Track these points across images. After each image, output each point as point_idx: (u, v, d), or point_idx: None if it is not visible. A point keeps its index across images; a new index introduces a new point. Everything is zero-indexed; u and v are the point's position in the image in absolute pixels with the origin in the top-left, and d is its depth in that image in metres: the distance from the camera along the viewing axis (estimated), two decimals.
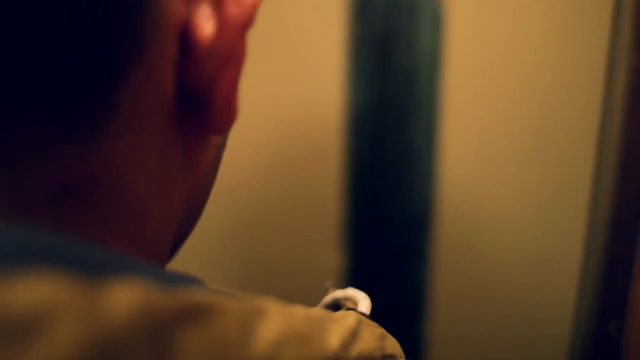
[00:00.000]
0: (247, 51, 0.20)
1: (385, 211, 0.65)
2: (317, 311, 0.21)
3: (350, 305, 0.28)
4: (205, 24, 0.18)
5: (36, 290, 0.11)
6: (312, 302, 0.29)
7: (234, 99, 0.21)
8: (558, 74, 0.60)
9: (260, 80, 0.60)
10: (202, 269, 0.64)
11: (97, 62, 0.16)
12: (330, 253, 0.65)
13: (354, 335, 0.21)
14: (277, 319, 0.17)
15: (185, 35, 0.18)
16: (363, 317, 0.23)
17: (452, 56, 0.60)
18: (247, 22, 0.19)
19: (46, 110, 0.16)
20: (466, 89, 0.62)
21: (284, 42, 0.61)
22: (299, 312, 0.19)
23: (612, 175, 0.60)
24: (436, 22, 0.59)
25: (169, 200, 0.21)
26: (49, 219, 0.17)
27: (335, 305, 0.30)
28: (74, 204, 0.17)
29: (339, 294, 0.30)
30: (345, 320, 0.21)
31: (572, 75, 0.60)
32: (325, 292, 0.31)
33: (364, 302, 0.27)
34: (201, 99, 0.20)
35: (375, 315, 0.26)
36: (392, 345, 0.23)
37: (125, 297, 0.12)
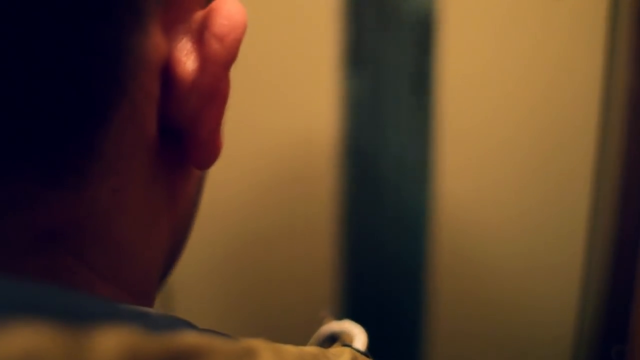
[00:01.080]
0: (231, 87, 0.19)
1: (381, 235, 0.65)
2: (310, 349, 0.20)
3: (346, 339, 0.27)
4: (187, 60, 0.18)
5: (19, 341, 0.11)
6: (307, 329, 0.29)
7: (217, 135, 0.20)
8: (557, 83, 0.60)
9: (253, 104, 0.60)
10: (194, 293, 0.63)
11: (80, 106, 0.16)
12: (326, 279, 0.64)
13: None
14: (268, 359, 0.16)
15: (167, 72, 0.18)
16: (358, 355, 0.22)
17: (446, 71, 0.60)
18: (229, 59, 0.19)
19: (29, 158, 0.15)
20: (463, 111, 0.61)
21: (278, 65, 0.61)
22: (291, 351, 0.18)
23: (614, 192, 0.60)
24: (426, 38, 0.59)
25: (154, 239, 0.21)
26: (33, 265, 0.17)
27: (331, 338, 0.29)
28: (59, 249, 0.17)
29: (334, 326, 0.29)
30: (339, 359, 0.21)
31: (571, 84, 0.60)
32: (321, 321, 0.30)
33: (360, 337, 0.26)
34: (184, 135, 0.20)
35: (373, 343, 0.25)
36: None
37: (111, 345, 0.12)
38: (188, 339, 0.14)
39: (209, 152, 0.20)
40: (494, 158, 0.62)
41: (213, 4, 0.19)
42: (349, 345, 0.24)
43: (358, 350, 0.24)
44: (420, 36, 0.59)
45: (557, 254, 0.64)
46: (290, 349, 0.18)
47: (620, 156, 0.60)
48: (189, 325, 0.18)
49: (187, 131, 0.20)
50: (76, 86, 0.15)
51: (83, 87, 0.15)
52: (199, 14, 0.19)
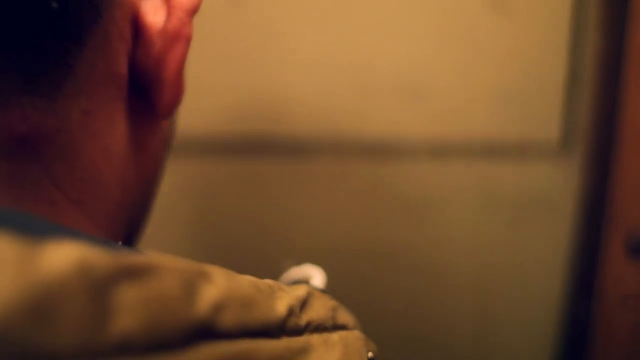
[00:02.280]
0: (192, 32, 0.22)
1: None
2: (266, 281, 0.20)
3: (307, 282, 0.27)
4: (156, 9, 0.21)
5: None
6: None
7: (180, 78, 0.22)
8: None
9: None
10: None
11: (59, 20, 0.17)
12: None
13: (303, 304, 0.20)
14: (221, 282, 0.16)
15: (137, 20, 0.20)
16: (315, 290, 0.23)
17: None
18: (193, 6, 0.21)
19: (7, 59, 0.17)
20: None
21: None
22: (246, 279, 0.18)
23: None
24: None
25: (121, 178, 0.22)
26: (0, 170, 0.18)
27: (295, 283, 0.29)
28: (27, 159, 0.18)
29: (295, 272, 0.29)
30: (295, 291, 0.21)
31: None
32: (283, 271, 0.31)
33: (317, 277, 0.26)
34: (150, 78, 0.21)
35: None
36: (345, 316, 0.23)
37: (63, 254, 0.12)
38: (140, 257, 0.14)
39: (173, 93, 0.22)
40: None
41: None
42: (306, 283, 0.24)
43: (316, 288, 0.24)
44: None
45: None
46: (245, 277, 0.19)
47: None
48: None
49: (153, 73, 0.21)
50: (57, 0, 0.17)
51: (62, 2, 0.17)
52: None
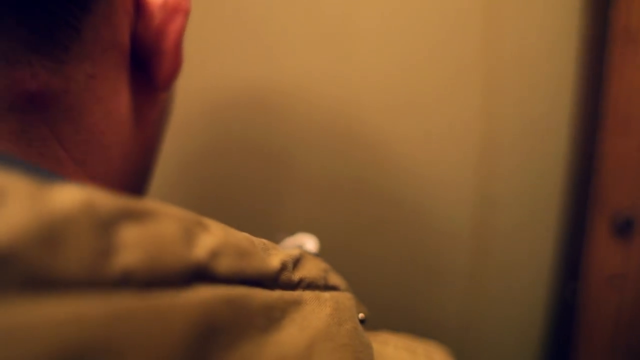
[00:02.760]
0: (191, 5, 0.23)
1: None
2: (262, 239, 0.21)
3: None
4: None
5: None
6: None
7: (179, 49, 0.23)
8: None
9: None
10: None
11: None
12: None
13: (296, 263, 0.21)
14: (218, 232, 0.17)
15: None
16: (308, 254, 0.23)
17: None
18: None
19: (19, 18, 0.18)
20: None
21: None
22: (241, 233, 0.19)
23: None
24: None
25: (123, 143, 0.23)
26: (8, 128, 0.18)
27: None
28: (35, 117, 0.19)
29: (290, 241, 0.30)
30: (289, 251, 0.21)
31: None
32: (277, 242, 0.31)
33: (310, 242, 0.27)
34: (150, 50, 0.22)
35: None
36: (337, 279, 0.23)
37: (70, 194, 0.13)
38: (143, 202, 0.15)
39: (172, 64, 0.23)
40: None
41: None
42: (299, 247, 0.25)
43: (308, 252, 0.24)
44: None
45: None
46: (240, 232, 0.19)
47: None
48: None
49: (153, 45, 0.22)
50: None
51: None
52: None
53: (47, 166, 0.19)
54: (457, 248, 0.65)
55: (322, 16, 0.58)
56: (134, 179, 0.25)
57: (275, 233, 0.33)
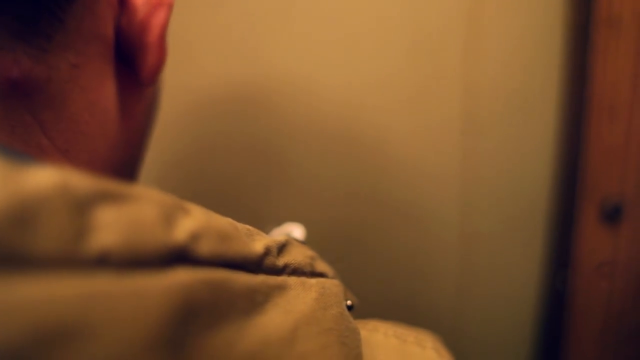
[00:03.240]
0: None
1: None
2: (245, 225, 0.21)
3: None
4: None
5: None
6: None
7: (163, 42, 0.23)
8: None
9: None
10: None
11: None
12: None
13: (281, 249, 0.21)
14: (199, 216, 0.17)
15: None
16: (294, 240, 0.23)
17: None
18: None
19: (0, 7, 0.18)
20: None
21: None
22: (224, 218, 0.19)
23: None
24: None
25: (107, 134, 0.23)
26: None
27: None
28: (18, 104, 0.19)
29: (276, 232, 0.30)
30: (274, 237, 0.21)
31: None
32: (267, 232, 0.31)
33: (297, 230, 0.27)
34: (134, 43, 0.23)
35: None
36: (324, 266, 0.23)
37: (45, 175, 0.13)
38: (121, 184, 0.15)
39: (156, 57, 0.23)
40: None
41: None
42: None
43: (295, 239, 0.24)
44: None
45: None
46: (224, 218, 0.19)
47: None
48: None
49: (137, 38, 0.23)
50: None
51: None
52: None
53: (30, 153, 0.19)
54: (448, 238, 0.65)
55: (308, 13, 0.58)
56: (120, 170, 0.25)
57: (264, 225, 0.33)
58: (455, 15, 0.59)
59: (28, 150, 0.19)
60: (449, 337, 0.67)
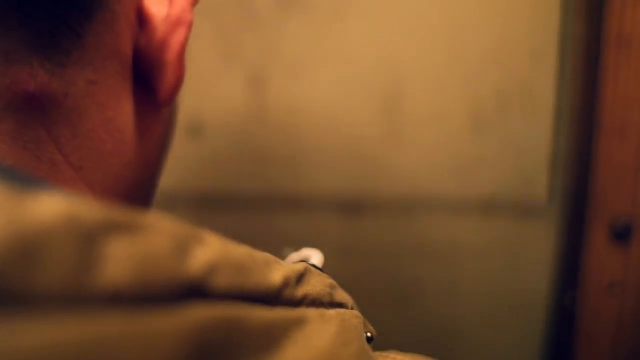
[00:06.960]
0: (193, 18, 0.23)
1: None
2: (264, 254, 0.20)
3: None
4: (158, 4, 0.22)
5: None
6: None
7: (181, 61, 0.23)
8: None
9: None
10: None
11: None
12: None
13: (300, 278, 0.20)
14: (215, 246, 0.16)
15: (141, 11, 0.22)
16: (313, 269, 0.22)
17: None
18: None
19: (23, 19, 0.18)
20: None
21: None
22: (242, 248, 0.18)
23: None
24: None
25: (123, 153, 0.23)
26: (4, 129, 0.18)
27: None
28: (32, 118, 0.19)
29: (294, 257, 0.29)
30: (293, 266, 0.20)
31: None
32: (283, 259, 0.30)
33: (316, 257, 0.26)
34: (153, 62, 0.23)
35: None
36: (343, 296, 0.22)
37: (52, 204, 0.12)
38: (133, 214, 0.14)
39: (174, 76, 0.23)
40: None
41: None
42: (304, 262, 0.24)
43: (314, 266, 0.23)
44: None
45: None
46: (241, 247, 0.18)
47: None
48: None
49: (156, 57, 0.22)
50: None
51: None
52: None
53: (43, 170, 0.19)
54: (458, 255, 0.64)
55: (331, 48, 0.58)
56: (134, 191, 0.24)
57: (283, 248, 0.32)
58: (462, 33, 0.59)
59: (40, 166, 0.19)
60: (457, 355, 0.66)
